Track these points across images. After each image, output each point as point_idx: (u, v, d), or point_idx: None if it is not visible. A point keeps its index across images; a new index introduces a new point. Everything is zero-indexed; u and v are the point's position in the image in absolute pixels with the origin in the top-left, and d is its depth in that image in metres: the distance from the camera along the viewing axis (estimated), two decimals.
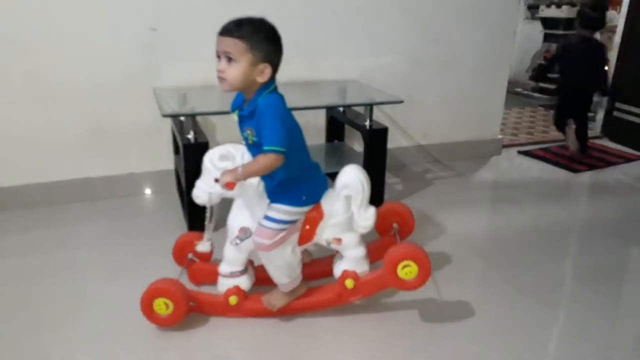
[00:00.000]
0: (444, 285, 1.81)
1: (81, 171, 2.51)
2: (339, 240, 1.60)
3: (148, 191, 2.65)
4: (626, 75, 3.73)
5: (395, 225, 1.83)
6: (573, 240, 2.30)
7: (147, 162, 2.60)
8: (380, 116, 2.87)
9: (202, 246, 1.62)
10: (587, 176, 3.10)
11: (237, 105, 1.51)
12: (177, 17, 2.46)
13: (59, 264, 1.97)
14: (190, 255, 1.80)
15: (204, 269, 1.80)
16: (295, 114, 2.36)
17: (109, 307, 1.71)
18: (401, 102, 2.44)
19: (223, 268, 1.64)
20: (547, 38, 5.43)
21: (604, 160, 3.34)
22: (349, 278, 1.61)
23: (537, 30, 5.59)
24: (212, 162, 1.49)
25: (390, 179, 2.87)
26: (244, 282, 1.65)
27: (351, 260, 1.63)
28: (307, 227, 1.57)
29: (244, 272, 1.65)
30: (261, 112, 1.40)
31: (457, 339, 1.59)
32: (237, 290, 1.63)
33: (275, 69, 1.45)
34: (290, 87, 2.68)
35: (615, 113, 3.84)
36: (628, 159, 3.39)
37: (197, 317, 1.65)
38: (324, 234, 1.59)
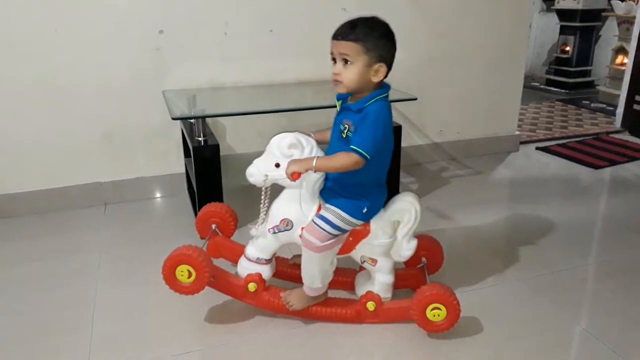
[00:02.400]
0: (459, 285, 1.77)
1: (91, 176, 2.49)
2: (374, 261, 1.57)
3: (158, 195, 2.62)
4: None
5: (423, 259, 1.78)
6: (593, 238, 2.23)
7: (157, 166, 2.58)
8: (392, 113, 2.81)
9: (257, 231, 1.58)
10: (607, 172, 3.02)
11: (342, 97, 1.51)
12: (185, 18, 2.43)
13: (70, 270, 1.96)
14: (214, 226, 1.78)
15: (225, 243, 1.77)
16: (306, 114, 2.34)
17: (120, 312, 1.70)
18: (415, 99, 2.38)
19: (251, 251, 1.60)
20: (563, 30, 5.31)
21: (625, 155, 3.25)
22: (372, 301, 1.58)
23: (553, 23, 5.48)
24: (280, 147, 1.45)
25: (405, 178, 2.82)
26: (266, 271, 1.61)
27: (378, 284, 1.60)
28: (351, 239, 1.54)
29: (269, 261, 1.61)
30: (369, 114, 1.40)
31: (473, 339, 1.56)
32: (258, 277, 1.59)
33: (389, 67, 1.45)
34: (300, 87, 2.65)
35: (636, 106, 3.74)
36: None
37: (212, 320, 1.62)
38: (363, 251, 1.56)
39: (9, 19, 2.20)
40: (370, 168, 1.42)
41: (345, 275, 1.75)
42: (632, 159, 3.20)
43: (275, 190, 1.55)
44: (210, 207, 1.80)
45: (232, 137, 2.62)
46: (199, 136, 2.11)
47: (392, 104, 2.68)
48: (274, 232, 1.54)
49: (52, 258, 2.04)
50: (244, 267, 1.61)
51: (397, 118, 2.81)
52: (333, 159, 1.41)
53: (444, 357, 1.50)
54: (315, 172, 1.43)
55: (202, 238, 1.78)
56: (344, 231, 1.48)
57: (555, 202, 2.62)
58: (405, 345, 1.55)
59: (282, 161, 1.45)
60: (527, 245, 2.13)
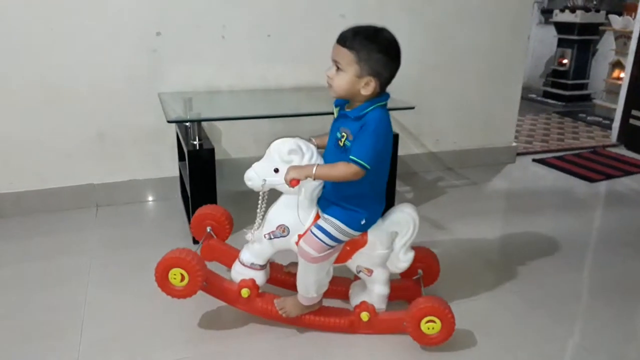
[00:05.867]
0: (453, 296, 1.74)
1: (83, 177, 2.46)
2: (370, 271, 1.55)
3: (151, 198, 2.59)
4: None
5: (420, 271, 1.76)
6: (587, 252, 2.22)
7: (150, 169, 2.55)
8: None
9: (253, 235, 1.56)
10: (603, 186, 3.01)
11: (340, 103, 1.48)
12: (183, 21, 2.41)
13: (60, 272, 1.92)
14: (209, 229, 1.75)
15: (219, 247, 1.74)
16: (302, 119, 2.33)
17: (110, 316, 1.67)
18: (412, 108, 2.37)
19: (245, 256, 1.58)
20: (560, 43, 5.33)
21: (621, 170, 3.24)
22: (366, 311, 1.55)
23: (550, 35, 5.49)
24: (280, 152, 1.43)
25: (400, 187, 2.80)
26: (260, 277, 1.59)
27: (373, 294, 1.58)
28: (348, 248, 1.52)
29: (263, 267, 1.59)
30: (368, 123, 1.36)
31: (467, 351, 1.54)
32: (252, 283, 1.57)
33: (383, 83, 1.41)
34: (298, 93, 2.63)
35: (632, 121, 3.74)
36: None
37: (204, 327, 1.59)
38: (359, 261, 1.54)
39: (5, 17, 2.17)
40: (369, 178, 1.39)
41: (341, 284, 1.72)
42: (628, 173, 3.19)
43: (274, 195, 1.53)
44: (206, 209, 1.77)
45: (227, 142, 2.60)
46: (194, 140, 2.08)
47: (389, 112, 2.69)
48: (270, 238, 1.52)
49: (42, 260, 2.01)
50: (238, 272, 1.59)
51: (394, 126, 2.76)
52: (333, 168, 1.39)
53: None
54: (314, 180, 1.41)
55: (196, 240, 1.75)
56: (341, 242, 1.46)
57: (551, 215, 2.61)
58: (399, 357, 1.52)
59: (282, 167, 1.43)
60: (521, 257, 2.11)
